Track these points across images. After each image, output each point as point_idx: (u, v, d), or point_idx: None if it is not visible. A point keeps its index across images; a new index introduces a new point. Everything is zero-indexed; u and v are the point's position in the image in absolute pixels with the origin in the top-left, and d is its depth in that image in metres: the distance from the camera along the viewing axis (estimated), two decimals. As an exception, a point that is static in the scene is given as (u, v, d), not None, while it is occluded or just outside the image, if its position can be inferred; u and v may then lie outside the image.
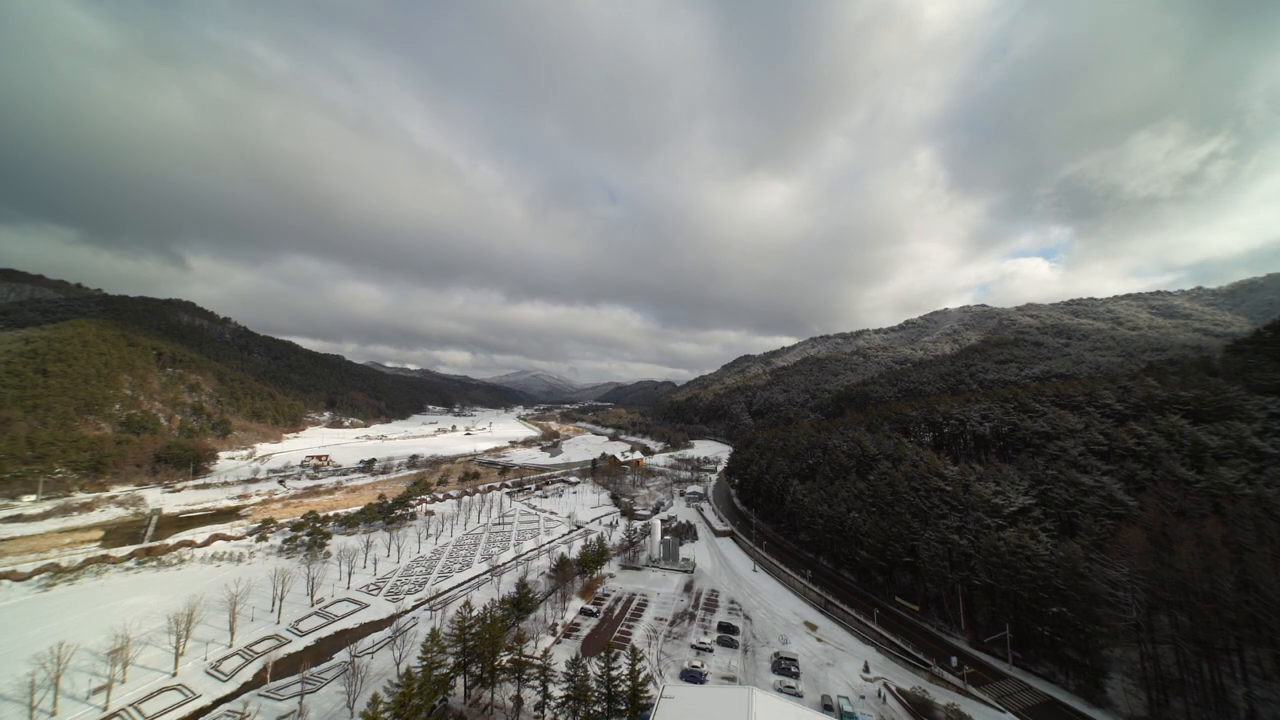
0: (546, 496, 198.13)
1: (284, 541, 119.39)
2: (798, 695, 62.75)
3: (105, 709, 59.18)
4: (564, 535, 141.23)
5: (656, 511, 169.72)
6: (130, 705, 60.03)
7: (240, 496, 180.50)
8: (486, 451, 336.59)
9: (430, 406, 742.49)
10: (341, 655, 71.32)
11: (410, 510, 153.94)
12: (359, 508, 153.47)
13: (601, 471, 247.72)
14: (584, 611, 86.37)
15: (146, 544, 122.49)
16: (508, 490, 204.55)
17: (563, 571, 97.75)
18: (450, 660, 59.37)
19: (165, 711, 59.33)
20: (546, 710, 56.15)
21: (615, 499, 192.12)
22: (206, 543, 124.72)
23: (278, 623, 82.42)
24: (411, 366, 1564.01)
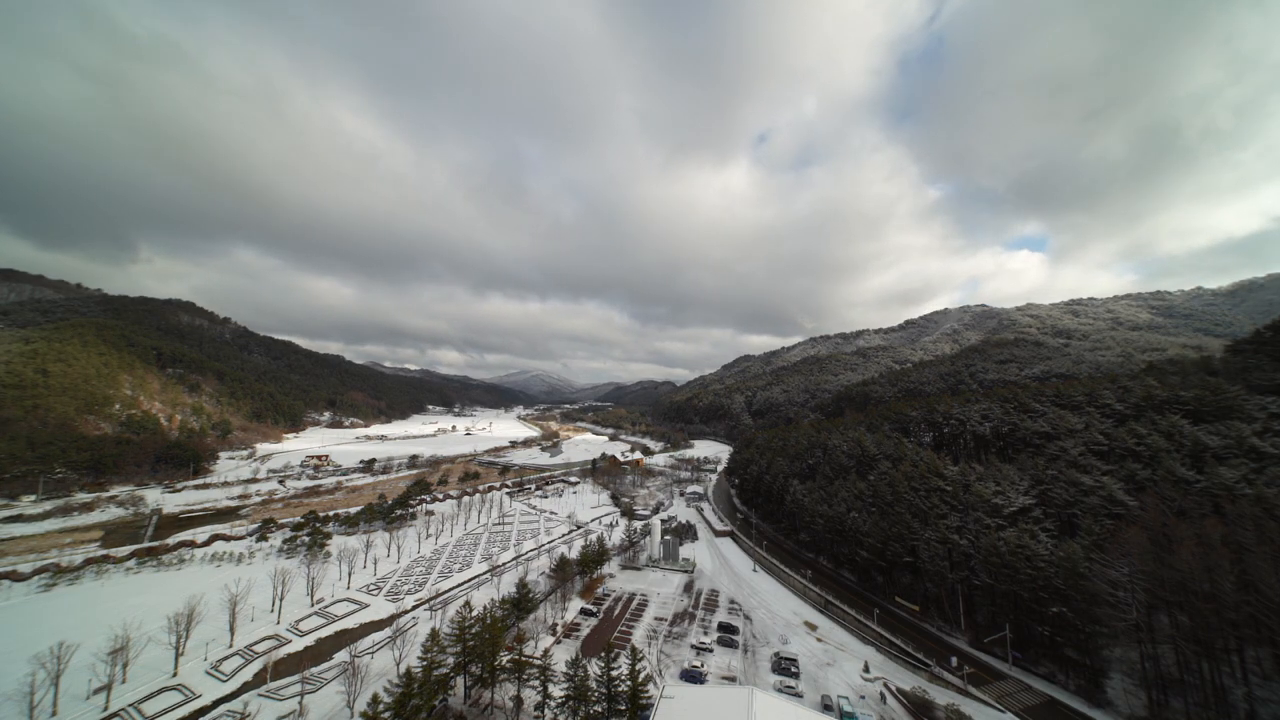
0: (546, 496, 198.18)
1: (284, 541, 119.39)
2: (798, 695, 62.74)
3: (105, 709, 59.20)
4: (564, 535, 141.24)
5: (656, 511, 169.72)
6: (130, 705, 60.06)
7: (240, 496, 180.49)
8: (486, 451, 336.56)
9: (430, 406, 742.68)
10: (341, 655, 71.35)
11: (410, 510, 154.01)
12: (359, 508, 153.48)
13: (601, 471, 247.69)
14: (584, 611, 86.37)
15: (146, 544, 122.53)
16: (508, 490, 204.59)
17: (563, 571, 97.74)
18: (450, 660, 59.36)
19: (165, 711, 59.36)
20: (546, 710, 56.13)
21: (615, 499, 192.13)
22: (207, 543, 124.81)
23: (278, 623, 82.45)
24: (411, 367, 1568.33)
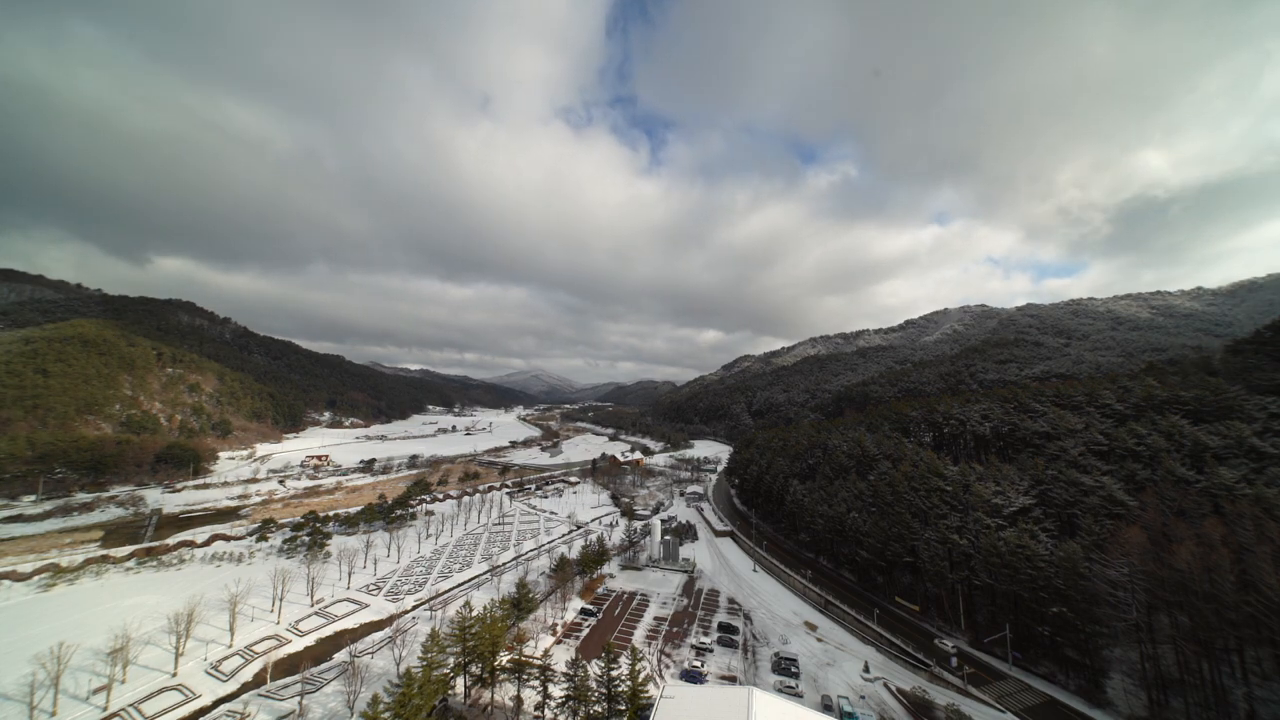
0: (546, 496, 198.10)
1: (284, 541, 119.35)
2: (798, 695, 62.77)
3: (105, 709, 59.16)
4: (564, 535, 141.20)
5: (656, 511, 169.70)
6: (130, 705, 60.02)
7: (240, 496, 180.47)
8: (486, 451, 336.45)
9: (430, 406, 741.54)
10: (341, 655, 71.36)
11: (410, 510, 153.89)
12: (359, 508, 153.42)
13: (601, 471, 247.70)
14: (584, 611, 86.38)
15: (146, 544, 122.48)
16: (508, 490, 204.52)
17: (563, 571, 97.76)
18: (450, 660, 59.36)
19: (165, 711, 59.32)
20: (546, 710, 56.15)
21: (615, 499, 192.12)
22: (206, 543, 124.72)
23: (278, 623, 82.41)
24: (411, 367, 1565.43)
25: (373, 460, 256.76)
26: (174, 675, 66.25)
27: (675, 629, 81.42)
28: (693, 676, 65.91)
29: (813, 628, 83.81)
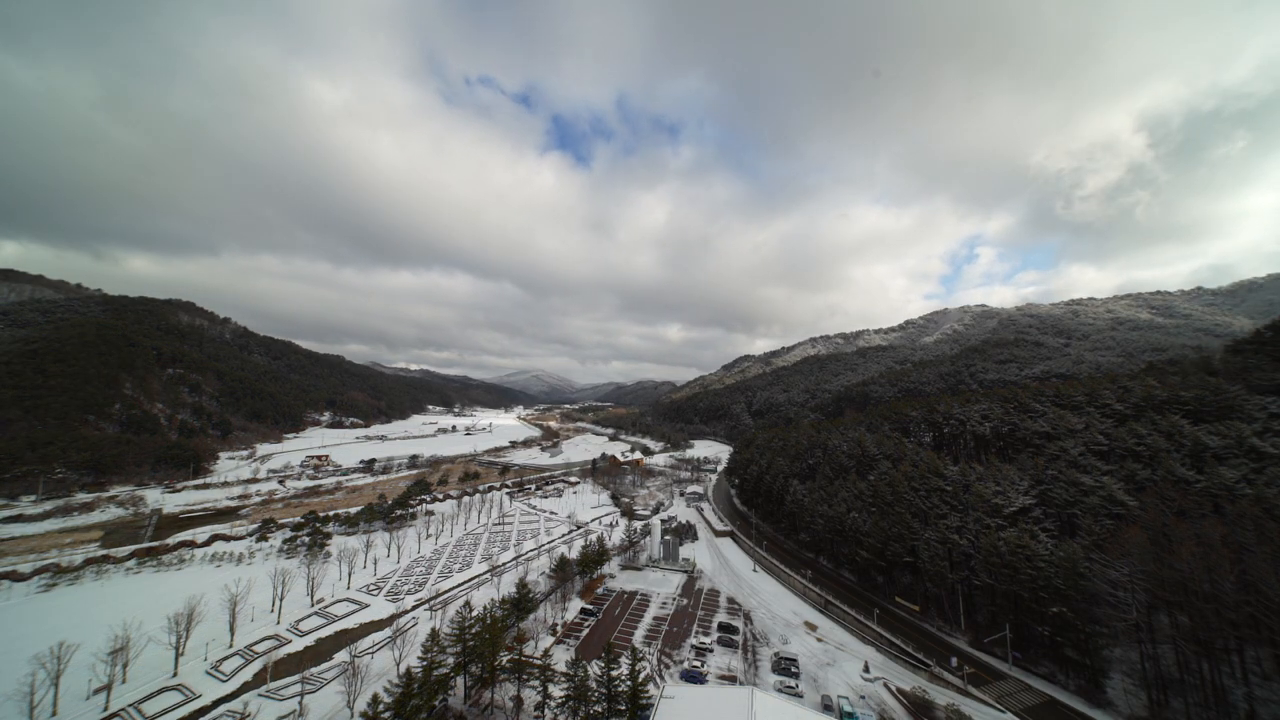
0: (546, 496, 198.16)
1: (284, 542, 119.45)
2: (798, 695, 62.75)
3: (106, 709, 59.21)
4: (564, 535, 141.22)
5: (656, 511, 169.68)
6: (131, 705, 60.07)
7: (240, 497, 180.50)
8: (486, 451, 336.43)
9: (430, 406, 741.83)
10: (341, 655, 71.32)
11: (410, 510, 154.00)
12: (359, 508, 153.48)
13: (601, 471, 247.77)
14: (584, 611, 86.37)
15: (146, 544, 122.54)
16: (508, 490, 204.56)
17: (563, 571, 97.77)
18: (450, 660, 59.38)
19: (166, 711, 59.35)
20: (546, 710, 56.12)
21: (615, 499, 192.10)
22: (206, 543, 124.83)
23: (278, 623, 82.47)
24: (412, 367, 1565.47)
25: (373, 460, 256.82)
26: (174, 675, 66.28)
27: (675, 629, 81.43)
28: (693, 677, 65.91)
29: (813, 628, 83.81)
